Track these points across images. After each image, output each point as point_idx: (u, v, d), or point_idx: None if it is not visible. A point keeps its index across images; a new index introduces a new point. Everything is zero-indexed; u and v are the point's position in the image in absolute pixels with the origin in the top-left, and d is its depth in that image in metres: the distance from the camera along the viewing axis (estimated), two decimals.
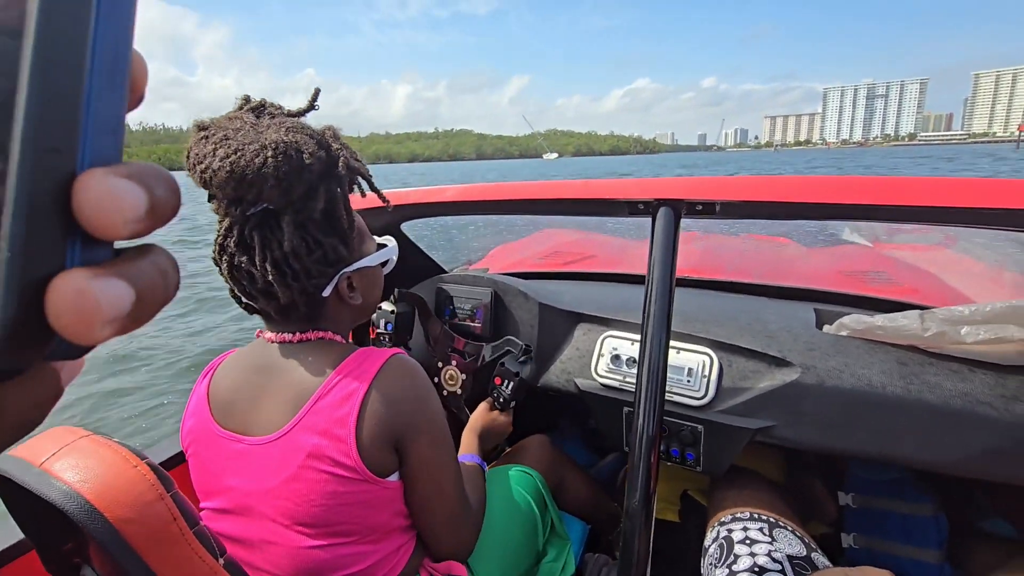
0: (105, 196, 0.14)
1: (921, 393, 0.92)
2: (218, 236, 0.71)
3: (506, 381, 1.20)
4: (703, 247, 2.12)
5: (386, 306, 1.38)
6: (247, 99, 0.73)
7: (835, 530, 1.29)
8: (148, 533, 0.51)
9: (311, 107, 0.73)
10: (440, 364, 1.40)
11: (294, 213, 0.68)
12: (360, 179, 0.75)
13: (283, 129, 0.66)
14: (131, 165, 0.15)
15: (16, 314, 0.14)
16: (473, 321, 1.40)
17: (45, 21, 0.13)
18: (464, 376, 1.36)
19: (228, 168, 0.62)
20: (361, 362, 0.73)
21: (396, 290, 1.38)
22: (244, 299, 0.76)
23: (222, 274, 0.74)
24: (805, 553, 0.91)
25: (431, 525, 0.80)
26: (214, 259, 0.74)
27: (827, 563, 0.91)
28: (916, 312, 0.99)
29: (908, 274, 1.58)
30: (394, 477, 0.75)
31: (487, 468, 1.04)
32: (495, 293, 1.37)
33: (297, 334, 0.75)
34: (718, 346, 1.12)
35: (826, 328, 1.12)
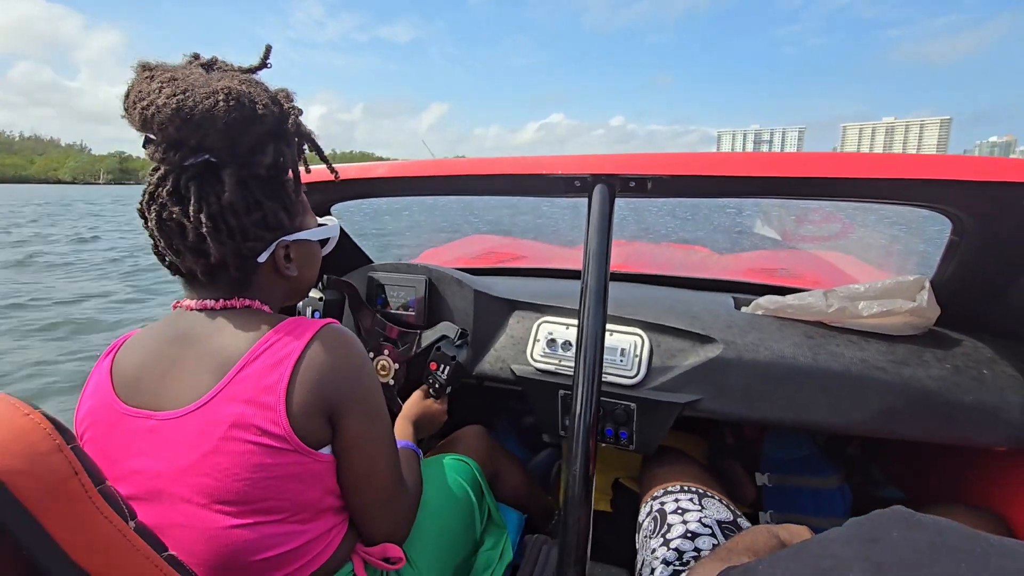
0: None
1: (827, 362, 1.05)
2: (148, 185, 0.68)
3: (442, 366, 1.19)
4: (628, 251, 2.25)
5: (314, 293, 1.34)
6: (196, 55, 0.71)
7: (754, 510, 1.40)
8: (42, 487, 0.45)
9: (263, 65, 0.72)
10: (372, 355, 1.37)
11: (237, 167, 0.67)
12: (307, 147, 0.75)
13: (236, 80, 0.65)
14: None
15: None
16: (406, 310, 1.38)
17: None
18: (397, 366, 1.34)
19: (174, 106, 0.60)
20: (293, 329, 0.70)
21: (325, 276, 1.34)
22: (169, 256, 0.70)
23: (147, 227, 0.69)
24: (732, 519, 0.98)
25: (364, 504, 0.77)
26: (140, 210, 0.69)
27: (749, 526, 0.98)
28: (820, 292, 1.13)
29: (811, 265, 1.80)
30: (326, 450, 0.72)
31: (420, 452, 1.02)
32: (429, 281, 1.37)
33: (221, 300, 0.71)
34: (647, 326, 1.19)
35: (743, 309, 1.24)
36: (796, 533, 0.75)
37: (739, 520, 0.99)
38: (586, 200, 0.96)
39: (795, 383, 1.05)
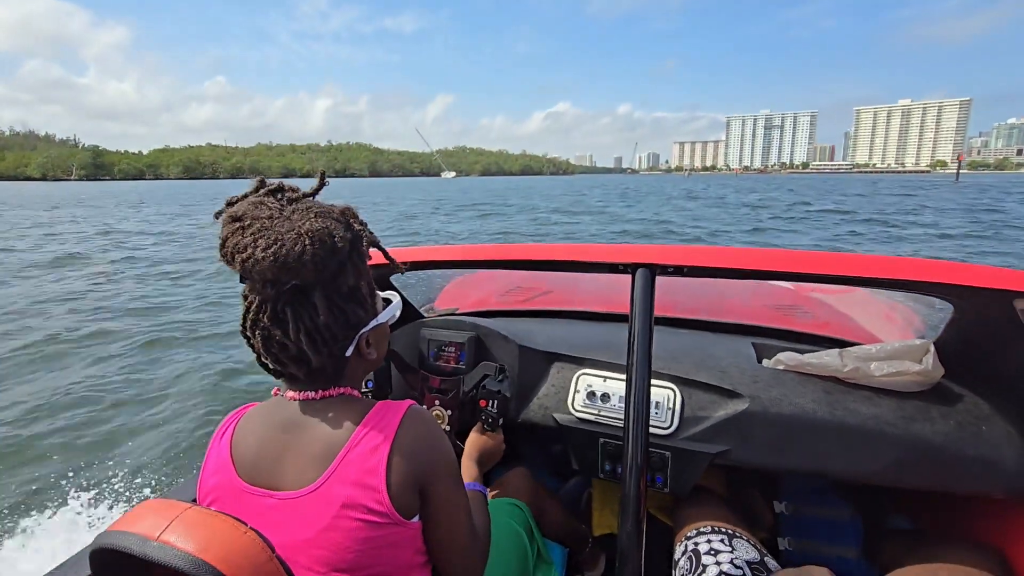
0: None
1: (844, 417, 1.20)
2: (248, 312, 0.81)
3: (491, 402, 1.36)
4: None
5: None
6: (263, 182, 0.85)
7: (772, 535, 1.56)
8: None
9: (321, 187, 0.87)
10: (425, 407, 1.53)
11: (323, 287, 0.81)
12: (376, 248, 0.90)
13: (312, 215, 0.78)
14: None
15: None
16: (457, 363, 1.56)
17: None
18: (449, 412, 1.50)
19: (272, 258, 0.73)
20: (383, 415, 0.85)
21: None
22: (274, 366, 0.85)
23: (251, 346, 0.84)
24: (759, 558, 1.14)
25: (448, 558, 0.93)
26: (244, 334, 0.84)
27: (777, 565, 1.14)
28: (836, 351, 1.28)
29: (825, 312, 1.96)
30: (416, 518, 0.87)
31: (487, 492, 1.18)
32: (477, 337, 1.55)
33: (320, 392, 0.86)
34: (679, 381, 1.36)
35: (765, 362, 1.39)
36: None
37: (766, 559, 1.15)
38: None
39: (816, 436, 1.20)
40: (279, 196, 0.82)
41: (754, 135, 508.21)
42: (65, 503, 3.02)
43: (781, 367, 1.35)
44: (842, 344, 1.36)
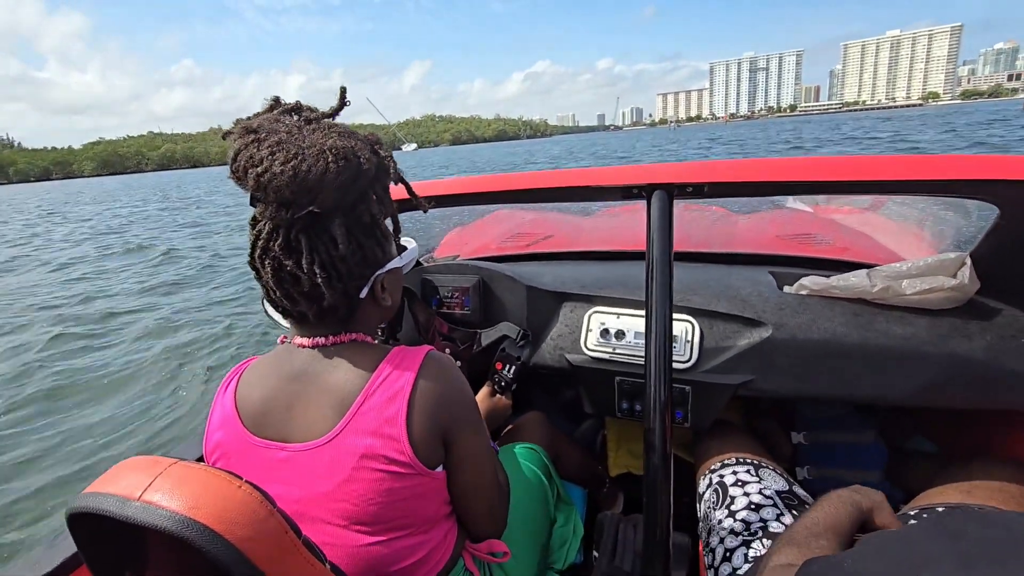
0: None
1: (876, 339, 1.18)
2: (259, 239, 0.76)
3: (507, 366, 1.36)
4: None
5: None
6: (277, 100, 0.79)
7: (791, 465, 1.57)
8: (267, 550, 0.57)
9: (342, 105, 0.81)
10: None
11: (343, 216, 0.76)
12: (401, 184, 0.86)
13: (335, 134, 0.73)
14: None
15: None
16: (461, 309, 1.54)
17: None
18: (459, 364, 1.48)
19: (291, 172, 0.68)
20: (400, 361, 0.81)
21: None
22: (283, 303, 0.80)
23: (260, 278, 0.79)
24: (788, 487, 1.14)
25: (473, 509, 0.92)
26: (252, 264, 0.78)
27: (805, 494, 1.13)
28: (864, 271, 1.25)
29: (845, 235, 1.94)
30: (440, 468, 0.85)
31: (497, 448, 1.19)
32: (482, 280, 1.52)
33: (331, 337, 0.82)
34: (697, 312, 1.34)
35: (786, 289, 1.37)
36: (869, 495, 0.86)
37: (794, 488, 1.14)
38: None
39: (845, 359, 1.19)
40: (297, 114, 0.77)
41: (739, 80, 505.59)
42: None
43: (805, 292, 1.33)
44: (867, 267, 1.34)
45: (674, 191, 1.06)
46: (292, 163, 0.68)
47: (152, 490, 0.56)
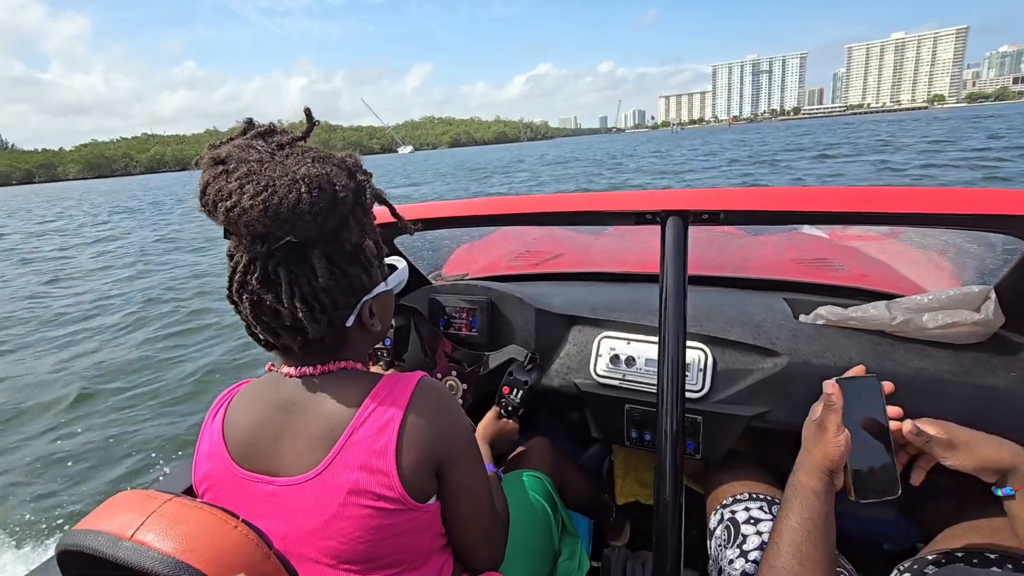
0: None
1: (894, 369, 1.15)
2: (235, 273, 0.73)
3: (515, 390, 1.33)
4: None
5: None
6: (250, 123, 0.76)
7: None
8: None
9: (311, 129, 0.78)
10: (440, 375, 1.51)
11: (324, 245, 0.73)
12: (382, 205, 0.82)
13: (308, 160, 0.70)
14: None
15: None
16: (469, 330, 1.51)
17: None
18: (465, 386, 1.47)
19: (261, 206, 0.65)
20: (391, 390, 0.78)
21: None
22: (265, 337, 0.77)
23: (240, 312, 0.76)
24: None
25: (469, 541, 0.89)
26: (230, 298, 0.76)
27: None
28: (883, 303, 1.22)
29: (862, 263, 1.91)
30: (432, 500, 0.82)
31: (501, 475, 1.16)
32: (490, 300, 1.50)
33: (319, 367, 0.79)
34: (709, 340, 1.31)
35: (802, 318, 1.34)
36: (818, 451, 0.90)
37: None
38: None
39: None
40: (269, 139, 0.74)
41: (742, 82, 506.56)
42: None
43: (821, 322, 1.30)
44: (885, 297, 1.30)
45: (689, 218, 1.04)
46: (262, 196, 0.65)
47: (145, 529, 0.54)
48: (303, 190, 0.66)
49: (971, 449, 0.86)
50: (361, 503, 0.73)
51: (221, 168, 0.68)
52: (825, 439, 0.88)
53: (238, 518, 0.58)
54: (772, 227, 2.33)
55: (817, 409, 0.93)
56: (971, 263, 1.54)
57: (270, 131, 0.75)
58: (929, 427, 0.89)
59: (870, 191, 0.97)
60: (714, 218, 1.05)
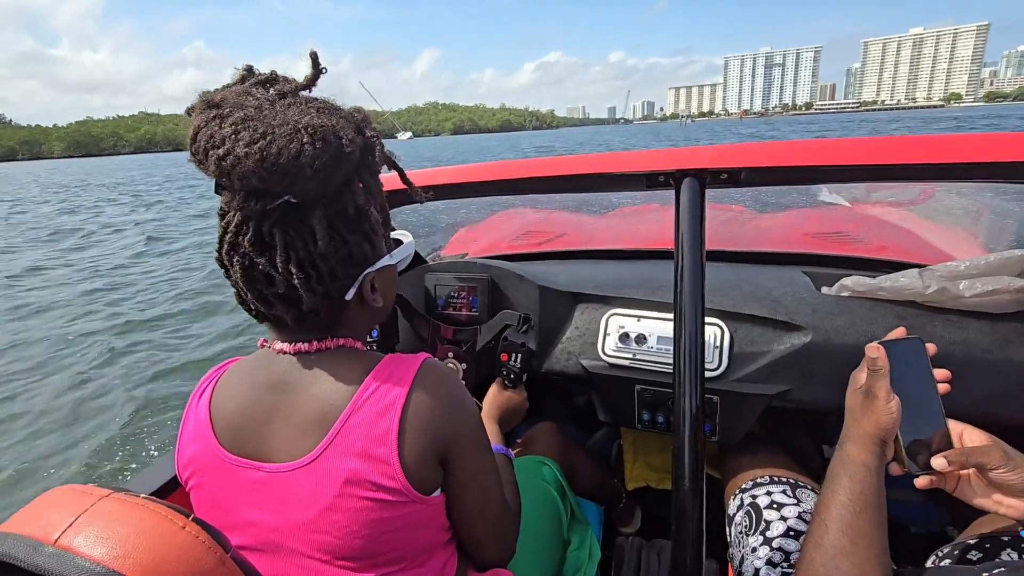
0: None
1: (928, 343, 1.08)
2: (226, 233, 0.67)
3: (513, 355, 1.26)
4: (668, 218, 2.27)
5: None
6: (250, 69, 0.70)
7: (820, 481, 1.48)
8: None
9: (318, 73, 0.71)
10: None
11: (324, 207, 0.66)
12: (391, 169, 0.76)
13: (313, 110, 0.64)
14: None
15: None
16: (470, 310, 1.44)
17: None
18: (464, 365, 1.40)
19: (258, 156, 0.58)
20: (392, 371, 0.72)
21: None
22: (256, 306, 0.71)
23: (230, 277, 0.70)
24: None
25: (477, 536, 0.83)
26: (220, 260, 0.69)
27: None
28: (915, 271, 1.15)
29: (886, 232, 1.83)
30: (437, 492, 0.75)
31: (511, 455, 1.09)
32: (491, 279, 1.43)
33: (315, 343, 0.73)
34: (726, 315, 1.24)
35: (824, 290, 1.27)
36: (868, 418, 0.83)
37: None
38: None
39: None
40: (270, 87, 0.68)
41: (754, 75, 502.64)
42: None
43: (847, 293, 1.23)
44: (912, 267, 1.24)
45: (707, 178, 0.96)
46: (259, 144, 0.59)
47: (73, 531, 0.47)
48: (305, 140, 0.60)
49: None
50: (358, 494, 0.67)
51: (215, 112, 0.62)
52: (875, 407, 0.80)
53: (188, 516, 0.51)
54: (788, 201, 2.26)
55: (859, 377, 0.85)
56: (1009, 226, 1.46)
57: (271, 79, 0.69)
58: (977, 445, 0.79)
59: (913, 139, 0.89)
60: (734, 177, 0.97)
